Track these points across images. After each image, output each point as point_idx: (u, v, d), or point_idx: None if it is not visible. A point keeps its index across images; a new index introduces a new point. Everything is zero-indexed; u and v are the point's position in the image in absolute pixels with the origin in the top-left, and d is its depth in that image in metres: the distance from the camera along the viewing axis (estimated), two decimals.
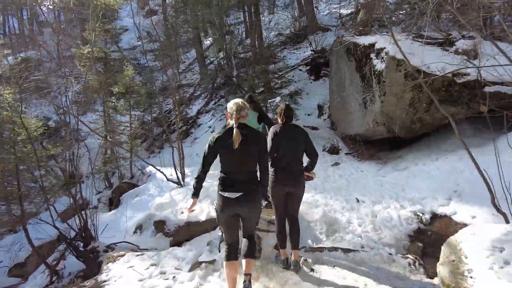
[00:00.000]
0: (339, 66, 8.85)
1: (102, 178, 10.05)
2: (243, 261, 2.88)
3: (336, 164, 7.46)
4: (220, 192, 2.75)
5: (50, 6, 26.58)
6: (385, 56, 6.53)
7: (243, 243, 2.94)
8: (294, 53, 14.30)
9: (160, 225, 5.00)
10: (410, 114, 6.67)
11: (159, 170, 7.11)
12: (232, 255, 2.82)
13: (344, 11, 16.11)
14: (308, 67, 12.89)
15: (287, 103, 3.53)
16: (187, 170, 7.71)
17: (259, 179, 2.86)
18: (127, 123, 11.95)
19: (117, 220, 7.50)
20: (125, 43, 22.47)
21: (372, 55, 6.90)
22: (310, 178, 3.53)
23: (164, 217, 5.06)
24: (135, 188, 8.27)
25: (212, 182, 6.40)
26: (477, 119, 5.83)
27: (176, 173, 6.87)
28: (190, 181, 7.00)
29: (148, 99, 10.57)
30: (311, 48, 13.45)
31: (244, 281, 2.77)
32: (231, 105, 2.79)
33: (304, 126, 10.01)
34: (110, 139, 8.60)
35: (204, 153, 2.81)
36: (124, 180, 9.29)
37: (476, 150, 4.70)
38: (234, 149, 2.63)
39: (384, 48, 6.64)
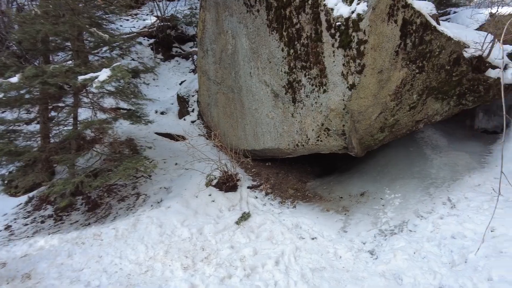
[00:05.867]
0: (223, 29, 4.91)
1: None
2: None
3: (245, 217, 3.49)
4: None
5: None
6: None
7: None
8: (128, 20, 9.33)
9: None
10: (387, 112, 3.52)
11: None
12: None
13: None
14: (152, 41, 8.35)
15: None
16: None
17: None
18: None
19: None
20: None
21: None
22: None
23: None
24: None
25: None
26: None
27: None
28: None
29: None
30: (155, 14, 8.95)
31: None
32: None
33: (156, 133, 5.51)
34: None
35: None
36: None
37: None
38: None
39: None
